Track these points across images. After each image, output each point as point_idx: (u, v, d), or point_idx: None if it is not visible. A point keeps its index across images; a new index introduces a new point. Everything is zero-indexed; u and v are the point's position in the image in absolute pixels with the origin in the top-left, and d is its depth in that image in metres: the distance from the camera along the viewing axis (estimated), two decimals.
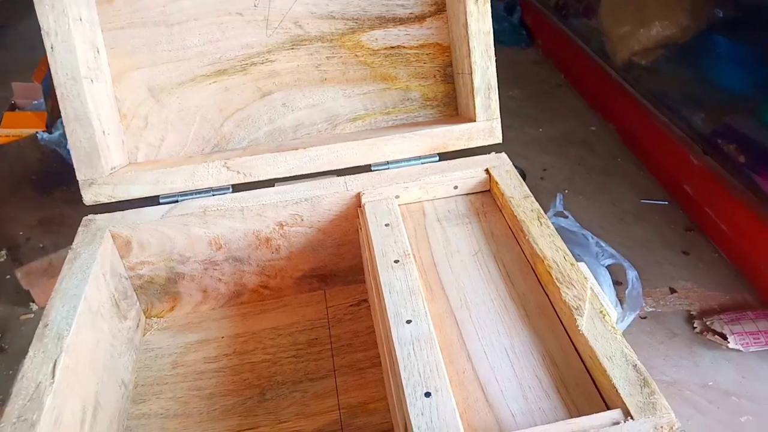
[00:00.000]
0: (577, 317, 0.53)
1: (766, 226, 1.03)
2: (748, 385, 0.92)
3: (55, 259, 1.33)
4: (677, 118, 1.32)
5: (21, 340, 1.33)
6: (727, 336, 0.94)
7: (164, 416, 0.67)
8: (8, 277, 1.49)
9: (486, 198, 0.73)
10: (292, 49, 0.77)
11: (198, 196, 0.73)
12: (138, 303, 0.76)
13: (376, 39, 0.78)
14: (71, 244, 0.69)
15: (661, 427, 0.44)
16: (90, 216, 0.73)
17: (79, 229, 0.71)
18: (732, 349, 0.96)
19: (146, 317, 0.78)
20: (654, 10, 1.37)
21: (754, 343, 0.96)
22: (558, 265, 0.59)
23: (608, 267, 1.19)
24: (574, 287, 0.56)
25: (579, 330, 0.52)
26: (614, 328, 0.52)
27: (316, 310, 0.78)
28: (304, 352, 0.73)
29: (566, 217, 1.22)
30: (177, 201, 0.73)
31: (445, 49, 0.79)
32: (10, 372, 1.26)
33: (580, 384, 0.51)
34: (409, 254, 0.63)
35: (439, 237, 0.68)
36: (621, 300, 1.14)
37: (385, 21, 0.78)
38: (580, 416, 0.47)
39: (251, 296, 0.79)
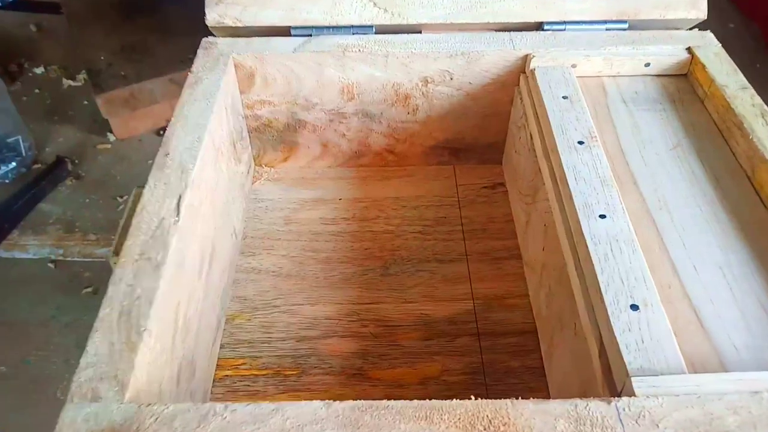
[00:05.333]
0: None
1: None
2: None
3: (137, 90, 1.25)
4: None
5: (98, 169, 1.29)
6: None
7: (276, 274, 0.60)
8: (85, 102, 1.43)
9: (682, 83, 0.60)
10: None
11: (336, 33, 0.62)
12: (250, 147, 0.68)
13: None
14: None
15: None
16: (210, 38, 0.62)
17: (199, 51, 0.61)
18: None
19: (256, 165, 0.70)
20: None
21: None
22: None
23: None
24: None
25: None
26: None
27: (444, 186, 0.69)
28: (431, 230, 0.64)
29: None
30: (311, 35, 0.62)
31: None
32: (87, 200, 1.22)
33: None
34: (595, 137, 0.52)
35: (626, 122, 0.56)
36: None
37: None
38: None
39: (373, 159, 0.70)
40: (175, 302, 0.43)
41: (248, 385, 0.52)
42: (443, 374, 0.52)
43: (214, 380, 0.53)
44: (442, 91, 0.63)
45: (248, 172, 0.67)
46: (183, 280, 0.45)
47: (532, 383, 0.51)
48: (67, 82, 1.46)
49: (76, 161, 1.30)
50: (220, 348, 0.55)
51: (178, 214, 0.45)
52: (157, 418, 0.34)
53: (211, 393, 0.52)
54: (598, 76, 0.60)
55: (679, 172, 0.51)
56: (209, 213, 0.52)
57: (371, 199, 0.67)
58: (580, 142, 0.51)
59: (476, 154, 0.70)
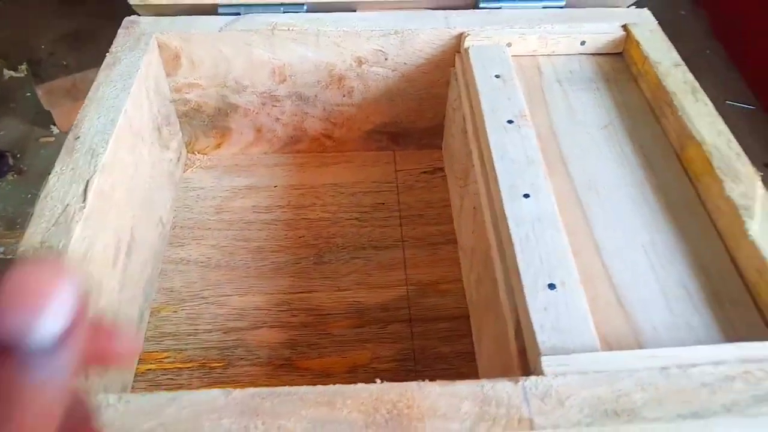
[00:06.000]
0: (745, 219, 0.42)
1: None
2: None
3: (79, 79, 1.21)
4: None
5: (40, 163, 1.25)
6: None
7: (205, 265, 0.58)
8: (28, 94, 1.38)
9: (617, 62, 0.59)
10: None
11: (266, 10, 0.60)
12: (180, 134, 0.65)
13: None
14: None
15: None
16: (133, 17, 0.60)
17: (120, 31, 0.58)
18: None
19: (188, 152, 0.67)
20: None
21: None
22: (720, 152, 0.46)
23: None
24: (742, 182, 0.44)
25: (746, 235, 0.41)
26: None
27: (383, 171, 0.67)
28: (368, 216, 0.62)
29: None
30: (239, 14, 0.60)
31: None
32: (29, 195, 1.18)
33: (738, 301, 0.40)
34: (525, 116, 0.51)
35: (559, 102, 0.55)
36: None
37: None
38: (740, 340, 0.37)
39: (311, 145, 0.68)
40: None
41: (172, 379, 0.50)
42: (373, 362, 0.51)
43: (136, 374, 0.51)
44: (377, 72, 0.62)
45: (178, 160, 0.65)
46: (91, 270, 0.42)
47: (462, 368, 0.50)
48: (8, 73, 1.41)
49: (18, 155, 1.25)
50: (145, 341, 0.53)
51: (84, 200, 0.43)
52: None
53: (132, 388, 0.50)
54: (534, 55, 0.59)
55: (609, 152, 0.50)
56: (125, 200, 0.49)
57: (308, 186, 0.65)
58: (510, 122, 0.50)
59: (415, 138, 0.68)
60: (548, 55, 0.59)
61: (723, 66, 1.50)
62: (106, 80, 0.52)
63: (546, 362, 0.34)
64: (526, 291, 0.38)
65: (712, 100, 1.40)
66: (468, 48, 0.58)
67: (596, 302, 0.40)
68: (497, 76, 0.54)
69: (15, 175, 1.20)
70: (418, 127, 0.67)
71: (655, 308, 0.40)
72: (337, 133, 0.67)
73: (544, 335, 0.36)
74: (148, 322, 0.54)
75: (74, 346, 0.16)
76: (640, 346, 0.37)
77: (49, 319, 0.15)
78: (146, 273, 0.54)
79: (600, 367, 0.34)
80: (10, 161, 1.20)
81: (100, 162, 0.45)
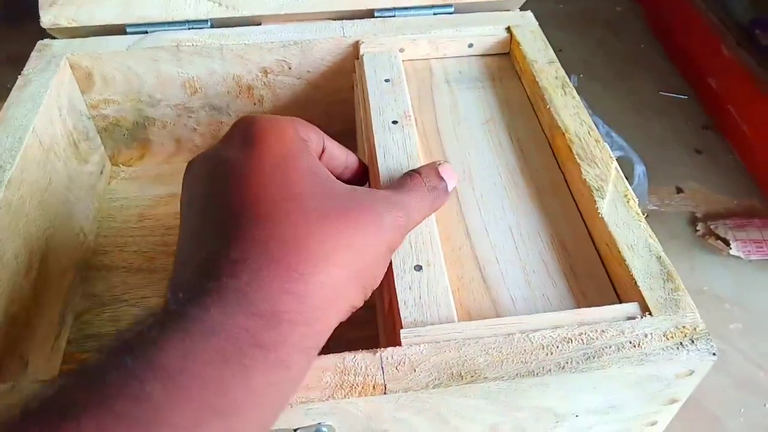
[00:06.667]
0: (597, 199, 0.46)
1: None
2: (742, 293, 0.88)
3: None
4: (714, 1, 1.19)
5: None
6: (730, 242, 0.88)
7: (127, 270, 0.61)
8: None
9: (504, 62, 0.64)
10: None
11: (171, 28, 0.63)
12: (102, 147, 0.68)
13: None
14: None
15: (684, 327, 0.39)
16: (46, 40, 0.63)
17: (33, 53, 0.61)
18: (732, 256, 0.90)
19: (112, 164, 0.71)
20: None
21: (757, 251, 0.90)
22: (581, 140, 0.51)
23: (616, 159, 1.13)
24: (597, 166, 0.49)
25: (598, 213, 0.46)
26: (638, 214, 0.46)
27: None
28: None
29: None
30: (146, 32, 0.63)
31: None
32: None
33: (592, 274, 0.45)
34: (410, 116, 0.55)
35: (446, 101, 0.59)
36: None
37: None
38: (589, 307, 0.41)
39: None
40: None
41: None
42: None
43: (60, 375, 0.54)
44: (284, 80, 0.66)
45: (101, 172, 0.68)
46: (2, 278, 0.46)
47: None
48: None
49: None
50: (68, 344, 0.56)
51: None
52: None
53: None
54: (426, 59, 0.64)
55: (487, 145, 0.55)
56: (37, 213, 0.52)
57: None
58: (394, 122, 0.54)
59: None
60: (440, 58, 0.64)
61: (659, 59, 1.56)
62: (17, 101, 0.55)
63: (403, 334, 0.38)
64: (395, 272, 0.42)
65: (647, 91, 1.46)
66: (363, 55, 0.62)
67: (462, 280, 0.44)
68: (387, 80, 0.58)
69: None
70: (330, 132, 0.70)
71: (515, 283, 0.44)
72: None
73: (406, 311, 0.40)
74: (71, 326, 0.57)
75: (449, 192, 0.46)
76: (499, 317, 0.42)
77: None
78: (66, 280, 0.57)
79: (451, 336, 0.38)
80: None
81: (6, 177, 0.48)
